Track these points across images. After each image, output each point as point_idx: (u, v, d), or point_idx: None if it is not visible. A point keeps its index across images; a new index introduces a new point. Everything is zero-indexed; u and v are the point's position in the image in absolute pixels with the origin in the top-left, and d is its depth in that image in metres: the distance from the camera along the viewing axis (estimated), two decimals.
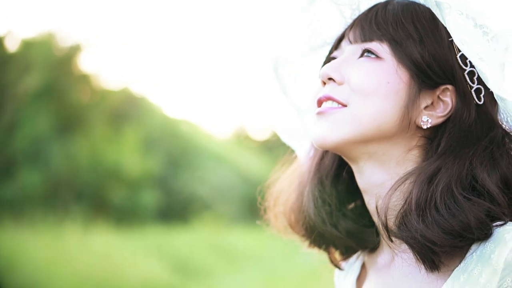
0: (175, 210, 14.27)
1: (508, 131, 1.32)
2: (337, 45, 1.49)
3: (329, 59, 1.50)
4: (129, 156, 12.80)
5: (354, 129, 1.34)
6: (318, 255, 1.63)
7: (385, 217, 1.31)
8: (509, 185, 1.27)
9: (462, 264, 1.25)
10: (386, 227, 1.32)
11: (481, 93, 1.33)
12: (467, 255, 1.25)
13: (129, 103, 14.00)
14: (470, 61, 1.32)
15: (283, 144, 1.79)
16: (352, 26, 1.45)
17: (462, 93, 1.33)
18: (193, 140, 16.29)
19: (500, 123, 1.34)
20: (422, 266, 1.29)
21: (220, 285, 11.34)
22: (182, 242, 12.60)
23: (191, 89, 26.04)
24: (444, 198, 1.25)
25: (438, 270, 1.27)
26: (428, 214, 1.25)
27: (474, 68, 1.32)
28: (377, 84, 1.34)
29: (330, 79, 1.40)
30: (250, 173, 18.15)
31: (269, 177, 1.70)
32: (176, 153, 15.06)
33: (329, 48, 1.56)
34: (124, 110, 13.67)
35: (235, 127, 25.66)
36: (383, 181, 1.37)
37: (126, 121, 13.47)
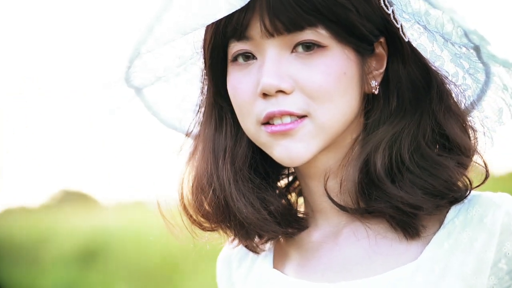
0: None
1: (435, 69, 1.22)
2: (241, 34, 1.19)
3: (237, 52, 1.21)
4: None
5: (325, 137, 1.20)
6: None
7: (356, 192, 1.22)
8: (467, 133, 1.23)
9: (442, 230, 1.19)
10: (357, 202, 1.22)
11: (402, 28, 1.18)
12: (446, 221, 1.19)
13: None
14: (389, 2, 1.16)
15: None
16: (260, 10, 1.16)
17: (396, 38, 1.19)
18: None
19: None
20: (402, 234, 1.21)
21: None
22: None
23: None
24: (414, 158, 1.18)
25: (419, 236, 1.20)
26: (405, 178, 1.17)
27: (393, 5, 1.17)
28: (336, 81, 1.16)
29: (279, 91, 1.17)
30: None
31: None
32: None
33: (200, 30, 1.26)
34: None
35: None
36: (335, 160, 1.26)
37: None
